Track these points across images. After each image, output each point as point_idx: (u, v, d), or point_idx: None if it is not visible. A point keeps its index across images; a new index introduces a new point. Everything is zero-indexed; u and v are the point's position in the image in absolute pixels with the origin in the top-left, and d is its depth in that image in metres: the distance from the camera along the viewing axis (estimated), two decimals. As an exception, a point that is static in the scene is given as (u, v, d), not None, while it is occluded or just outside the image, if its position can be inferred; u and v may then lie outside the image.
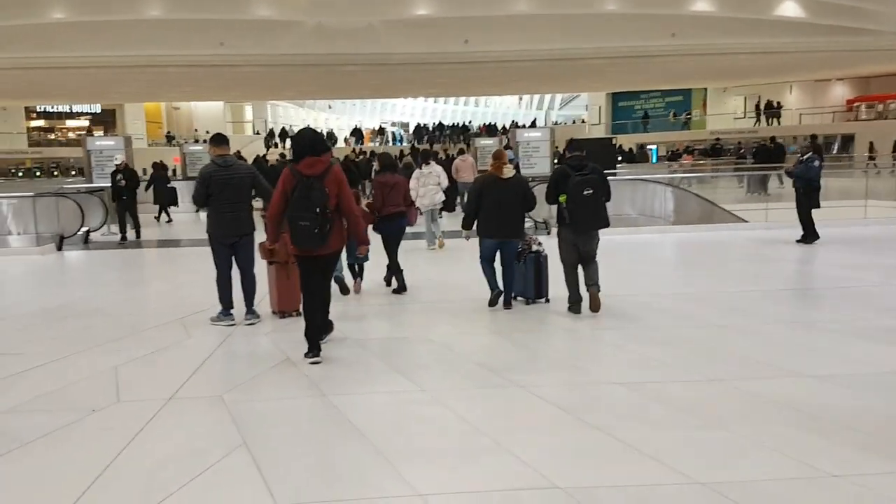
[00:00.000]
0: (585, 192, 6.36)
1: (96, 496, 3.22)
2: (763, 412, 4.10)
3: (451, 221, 15.21)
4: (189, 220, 18.55)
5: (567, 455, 3.58)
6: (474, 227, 7.00)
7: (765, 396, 4.31)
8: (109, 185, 13.58)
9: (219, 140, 6.53)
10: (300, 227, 5.07)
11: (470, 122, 49.90)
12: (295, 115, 52.80)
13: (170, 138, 42.50)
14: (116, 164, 13.52)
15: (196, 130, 43.97)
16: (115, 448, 3.70)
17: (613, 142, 24.40)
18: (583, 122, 46.56)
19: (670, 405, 4.20)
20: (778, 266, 9.43)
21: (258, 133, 43.31)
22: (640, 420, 4.01)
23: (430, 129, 44.84)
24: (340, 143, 40.66)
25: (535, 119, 52.72)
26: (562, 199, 6.46)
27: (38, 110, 44.57)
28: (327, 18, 20.68)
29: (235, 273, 6.50)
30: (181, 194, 21.84)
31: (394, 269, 7.89)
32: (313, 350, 5.24)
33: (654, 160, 33.35)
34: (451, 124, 46.84)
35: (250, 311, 6.51)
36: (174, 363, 5.36)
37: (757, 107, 35.85)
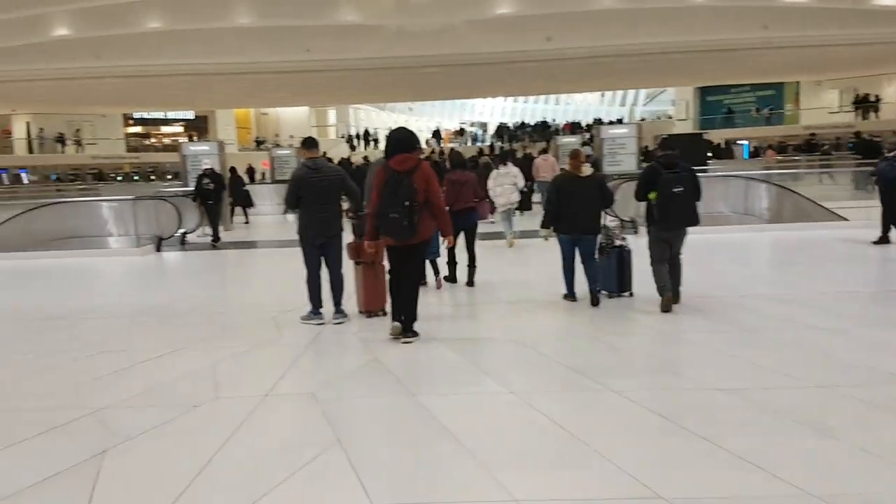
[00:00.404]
0: (676, 190, 6.38)
1: (198, 491, 3.31)
2: (879, 420, 3.84)
3: (527, 221, 15.08)
4: (275, 221, 19.09)
5: (669, 464, 3.44)
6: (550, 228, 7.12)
7: (879, 404, 4.04)
8: (195, 188, 13.85)
9: (309, 143, 6.65)
10: (390, 219, 5.48)
11: (554, 121, 49.34)
12: (377, 118, 53.59)
13: (259, 143, 43.90)
14: (204, 168, 13.89)
15: (276, 136, 45.31)
16: (216, 443, 3.80)
17: (705, 137, 23.64)
18: (669, 117, 45.30)
19: (777, 412, 3.99)
20: (883, 267, 8.89)
21: (342, 136, 44.16)
22: (746, 428, 3.82)
23: (512, 128, 44.58)
24: (421, 145, 41.00)
25: (622, 117, 51.83)
26: (651, 196, 6.47)
27: (135, 117, 46.79)
28: (409, 21, 20.89)
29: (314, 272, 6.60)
30: (268, 196, 22.65)
31: (469, 262, 8.23)
32: (406, 331, 5.73)
33: (746, 156, 32.16)
34: (533, 123, 46.44)
35: (338, 310, 6.61)
36: (268, 361, 5.49)
37: (856, 99, 34.00)
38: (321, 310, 6.59)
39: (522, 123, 46.06)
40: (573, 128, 41.36)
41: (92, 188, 29.15)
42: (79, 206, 15.02)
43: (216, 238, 13.78)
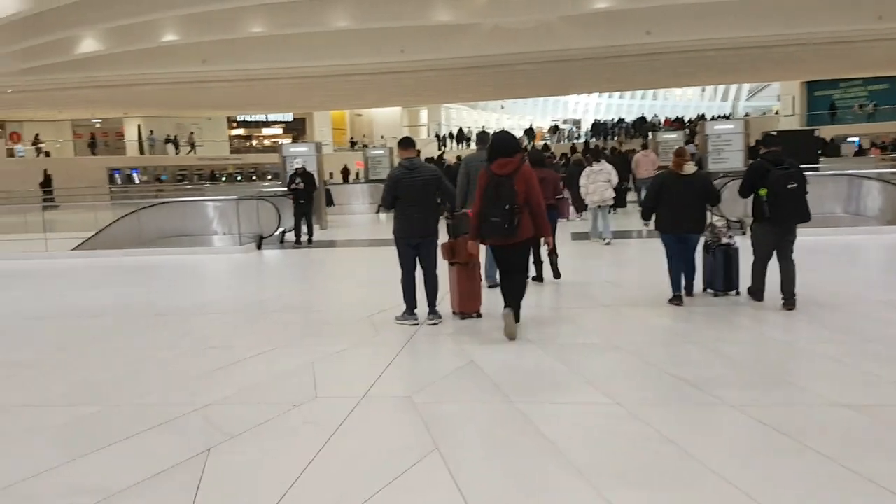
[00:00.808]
0: (790, 186, 6.27)
1: (301, 492, 3.29)
2: None
3: (621, 220, 14.68)
4: (368, 220, 19.33)
5: (794, 486, 3.16)
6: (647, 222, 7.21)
7: None
8: (287, 187, 13.80)
9: (406, 143, 6.62)
10: (491, 222, 5.67)
11: (656, 116, 48.00)
12: (468, 117, 53.72)
13: (353, 144, 44.82)
14: (296, 168, 13.80)
15: (364, 137, 46.13)
16: (316, 444, 3.78)
17: (816, 133, 22.35)
18: (775, 113, 43.21)
19: (915, 435, 3.62)
20: None
21: (436, 136, 44.43)
22: (878, 449, 3.48)
23: (610, 124, 43.58)
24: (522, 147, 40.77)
25: (727, 112, 49.90)
26: (762, 192, 6.37)
27: (239, 120, 48.72)
28: (504, 19, 20.68)
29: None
30: (361, 195, 22.99)
31: (550, 256, 8.09)
32: (510, 306, 5.81)
33: (856, 153, 30.28)
34: (632, 119, 45.28)
35: (433, 311, 6.54)
36: (364, 361, 5.48)
37: None
38: (416, 310, 6.54)
39: (620, 120, 44.93)
40: (675, 123, 40.09)
41: (198, 188, 30.48)
42: (186, 205, 15.65)
43: (308, 239, 13.62)
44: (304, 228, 13.66)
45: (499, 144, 5.80)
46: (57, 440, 4.09)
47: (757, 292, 6.71)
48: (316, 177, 16.62)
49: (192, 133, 41.48)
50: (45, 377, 5.38)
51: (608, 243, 11.36)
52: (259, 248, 13.27)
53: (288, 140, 46.06)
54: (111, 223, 13.81)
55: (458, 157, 24.80)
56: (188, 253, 13.01)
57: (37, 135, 37.79)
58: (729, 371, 4.88)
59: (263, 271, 11.33)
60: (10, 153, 35.30)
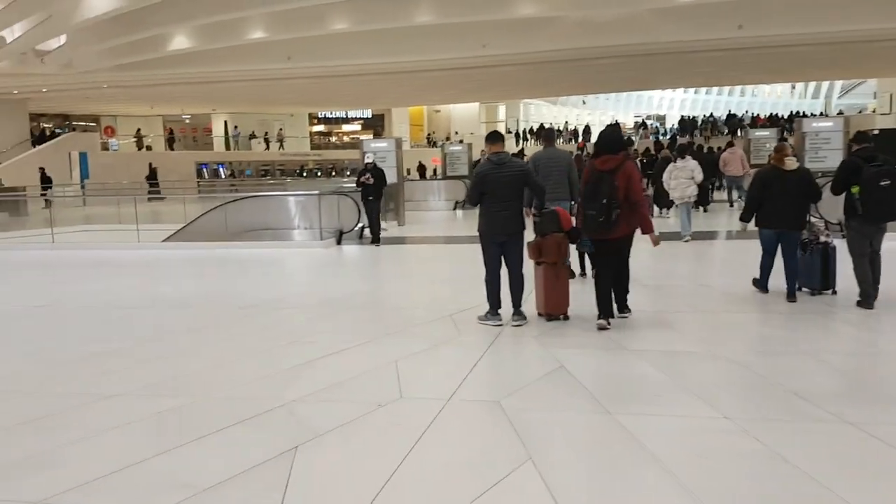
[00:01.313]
0: (883, 183, 6.23)
1: (390, 498, 3.16)
2: None
3: (705, 221, 14.11)
4: (444, 217, 19.22)
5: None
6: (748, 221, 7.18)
7: None
8: (356, 183, 13.44)
9: (494, 137, 6.42)
10: (588, 215, 5.91)
11: (747, 112, 46.24)
12: (547, 113, 53.01)
13: (430, 140, 44.94)
14: (366, 164, 13.24)
15: (433, 133, 46.15)
16: (403, 449, 3.65)
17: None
18: (873, 111, 40.91)
19: None
20: None
21: (516, 133, 44.04)
22: None
23: (699, 120, 42.09)
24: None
25: (821, 110, 47.65)
26: (854, 189, 6.37)
27: (319, 116, 49.58)
28: (591, 11, 20.20)
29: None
30: (437, 192, 22.87)
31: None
32: (604, 315, 6.00)
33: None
34: (714, 115, 43.71)
35: (517, 311, 6.33)
36: (449, 361, 5.33)
37: None
38: (500, 311, 6.35)
39: (710, 116, 43.38)
40: (770, 120, 38.51)
41: (280, 183, 31.11)
42: (269, 200, 15.91)
43: (376, 238, 13.08)
44: (371, 226, 13.20)
45: (605, 141, 6.04)
46: (147, 432, 4.11)
47: (867, 288, 6.46)
48: (395, 172, 16.71)
49: (280, 129, 42.62)
50: (136, 367, 5.45)
51: (687, 240, 11.31)
52: (339, 243, 13.34)
53: (368, 136, 46.67)
54: (199, 216, 14.14)
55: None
56: (271, 247, 13.21)
57: (138, 129, 39.60)
58: (843, 384, 4.50)
59: (343, 266, 11.36)
60: (105, 147, 36.91)
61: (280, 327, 6.76)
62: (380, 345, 5.85)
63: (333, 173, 39.54)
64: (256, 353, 5.74)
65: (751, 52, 23.69)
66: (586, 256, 7.96)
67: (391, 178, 16.33)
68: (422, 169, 31.59)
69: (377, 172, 13.16)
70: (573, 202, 7.80)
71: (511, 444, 3.66)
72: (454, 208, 20.91)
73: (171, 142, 41.68)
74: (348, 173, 35.61)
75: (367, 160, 13.43)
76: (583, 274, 8.30)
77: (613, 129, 6.23)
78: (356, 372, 5.07)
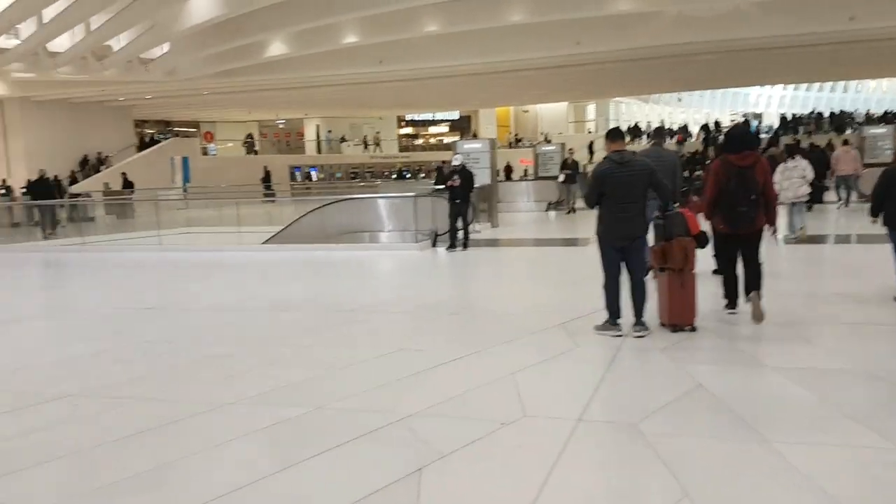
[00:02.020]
0: None
1: (530, 536, 2.84)
2: None
3: (815, 223, 13.23)
4: (535, 219, 18.75)
5: None
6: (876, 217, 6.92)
7: None
8: (442, 186, 12.99)
9: (615, 135, 6.02)
10: (738, 211, 5.92)
11: (857, 110, 43.65)
12: (638, 111, 51.63)
13: (518, 140, 44.48)
14: (453, 165, 12.74)
15: (514, 135, 45.63)
16: (537, 475, 3.33)
17: None
18: None
19: None
20: None
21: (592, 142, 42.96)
22: None
23: (804, 118, 39.84)
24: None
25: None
26: None
27: (407, 119, 49.98)
28: (690, 6, 19.33)
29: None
30: (526, 193, 22.39)
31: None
32: (732, 302, 6.33)
33: None
34: (815, 112, 41.36)
35: (639, 321, 5.90)
36: (571, 376, 4.98)
37: None
38: (619, 320, 5.94)
39: (813, 112, 41.08)
40: (883, 118, 36.22)
41: (370, 185, 31.36)
42: (364, 202, 15.91)
43: (464, 243, 12.44)
44: (461, 230, 12.55)
45: (745, 137, 6.29)
46: (264, 445, 3.95)
47: None
48: (489, 173, 16.44)
49: (377, 132, 43.36)
50: (249, 373, 5.36)
51: (801, 229, 11.24)
52: (434, 245, 13.14)
53: (455, 137, 46.69)
54: (297, 219, 14.26)
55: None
56: (366, 249, 13.18)
57: (249, 134, 41.07)
58: None
59: (440, 269, 11.15)
60: (204, 151, 38.28)
61: (386, 333, 6.57)
62: (492, 355, 5.56)
63: (422, 175, 39.71)
64: (366, 361, 5.54)
65: (862, 45, 22.22)
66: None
67: (485, 179, 16.11)
68: (508, 170, 31.19)
69: (465, 174, 12.56)
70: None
71: (660, 476, 3.28)
72: (547, 210, 20.43)
73: (250, 146, 42.85)
74: (422, 175, 35.58)
75: (454, 162, 12.86)
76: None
77: (746, 126, 6.21)
78: (472, 384, 4.78)
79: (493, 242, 14.11)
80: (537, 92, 35.07)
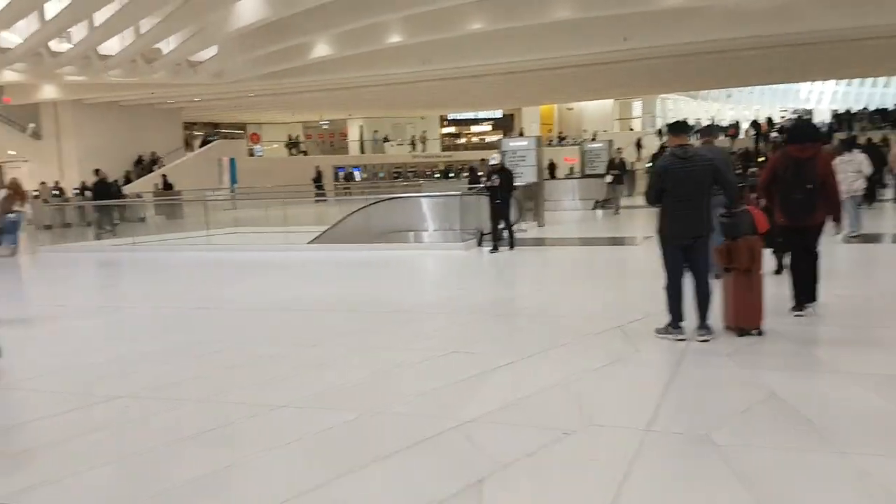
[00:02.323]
0: None
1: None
2: None
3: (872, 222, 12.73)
4: (580, 217, 18.41)
5: None
6: None
7: None
8: (476, 185, 12.66)
9: (677, 128, 5.77)
10: (793, 199, 5.90)
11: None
12: (685, 108, 50.62)
13: (561, 139, 44.00)
14: (492, 164, 12.05)
15: (551, 132, 45.18)
16: (608, 490, 3.13)
17: None
18: None
19: None
20: None
21: (657, 130, 42.15)
22: None
23: (861, 114, 38.47)
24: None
25: None
26: None
27: (450, 118, 49.85)
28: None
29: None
30: (571, 191, 22.00)
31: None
32: (799, 305, 6.10)
33: None
34: (868, 108, 39.95)
35: (703, 325, 5.63)
36: (633, 382, 4.76)
37: None
38: (682, 323, 5.68)
39: (874, 109, 39.63)
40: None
41: (413, 184, 31.33)
42: (409, 201, 15.80)
43: (510, 243, 11.91)
44: (500, 231, 12.03)
45: (808, 130, 6.34)
46: (317, 452, 3.82)
47: None
48: (535, 171, 16.18)
49: (424, 132, 43.57)
50: (300, 375, 5.26)
51: (854, 235, 10.77)
52: (479, 244, 12.93)
53: (498, 136, 46.48)
54: (342, 219, 14.22)
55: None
56: (412, 249, 13.07)
57: (295, 136, 41.73)
58: None
59: (488, 270, 10.96)
60: (250, 153, 38.75)
61: (437, 335, 6.42)
62: (548, 359, 5.36)
63: (465, 174, 39.53)
64: (417, 363, 5.40)
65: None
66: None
67: (531, 177, 15.88)
68: (552, 168, 30.79)
69: (505, 174, 11.97)
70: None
71: (741, 493, 3.05)
72: (594, 208, 20.07)
73: (294, 146, 43.30)
74: (462, 174, 35.25)
75: (492, 161, 12.22)
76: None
77: (809, 120, 6.02)
78: (529, 390, 4.60)
79: (540, 242, 13.89)
80: (582, 89, 34.62)
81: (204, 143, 34.87)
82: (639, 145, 33.54)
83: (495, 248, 11.88)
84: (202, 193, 25.04)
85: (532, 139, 16.98)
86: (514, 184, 12.45)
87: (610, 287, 8.45)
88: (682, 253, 5.64)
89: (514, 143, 16.72)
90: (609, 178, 18.29)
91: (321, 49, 23.06)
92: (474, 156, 40.83)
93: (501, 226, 12.12)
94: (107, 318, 7.98)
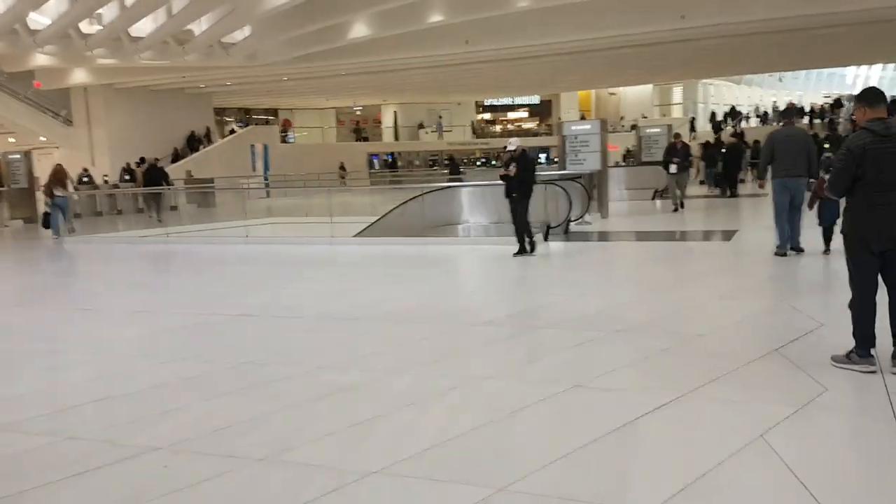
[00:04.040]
0: None
1: None
2: None
3: None
4: (630, 208, 16.89)
5: None
6: None
7: None
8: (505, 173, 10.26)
9: (872, 98, 4.39)
10: None
11: None
12: (728, 93, 48.64)
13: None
14: (510, 151, 9.97)
15: (589, 118, 43.81)
16: None
17: None
18: None
19: None
20: None
21: (693, 118, 40.32)
22: None
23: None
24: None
25: None
26: None
27: (485, 104, 48.41)
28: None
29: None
30: (619, 180, 20.41)
31: None
32: None
33: None
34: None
35: (902, 352, 4.33)
36: (851, 438, 3.51)
37: None
38: (873, 350, 4.38)
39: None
40: None
41: (455, 174, 29.96)
42: (463, 191, 14.54)
43: (522, 249, 9.95)
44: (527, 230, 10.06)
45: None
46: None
47: None
48: (599, 157, 14.81)
49: (473, 122, 42.90)
50: (388, 420, 4.00)
51: None
52: (546, 238, 11.63)
53: (534, 124, 45.13)
54: (392, 209, 13.03)
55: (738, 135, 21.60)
56: (469, 243, 11.86)
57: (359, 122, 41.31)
58: None
59: (564, 268, 9.70)
60: (283, 139, 37.76)
61: (544, 359, 5.18)
62: (711, 400, 4.07)
63: (497, 162, 38.33)
64: (535, 404, 4.12)
65: None
66: None
67: (595, 164, 14.56)
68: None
69: (525, 161, 9.86)
70: (811, 179, 8.20)
71: None
72: (653, 198, 18.61)
73: (358, 133, 42.47)
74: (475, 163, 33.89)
75: (509, 147, 10.10)
76: None
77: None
78: (711, 454, 3.30)
79: (606, 236, 12.56)
80: (630, 73, 33.03)
81: (232, 131, 33.94)
82: (692, 126, 31.94)
83: (521, 252, 9.90)
84: (235, 181, 24.04)
85: (596, 122, 15.58)
86: (535, 174, 10.44)
87: (728, 294, 7.09)
88: (877, 260, 4.32)
89: (576, 127, 15.34)
90: (673, 170, 15.90)
91: (358, 30, 21.82)
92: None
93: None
94: (141, 327, 6.82)
